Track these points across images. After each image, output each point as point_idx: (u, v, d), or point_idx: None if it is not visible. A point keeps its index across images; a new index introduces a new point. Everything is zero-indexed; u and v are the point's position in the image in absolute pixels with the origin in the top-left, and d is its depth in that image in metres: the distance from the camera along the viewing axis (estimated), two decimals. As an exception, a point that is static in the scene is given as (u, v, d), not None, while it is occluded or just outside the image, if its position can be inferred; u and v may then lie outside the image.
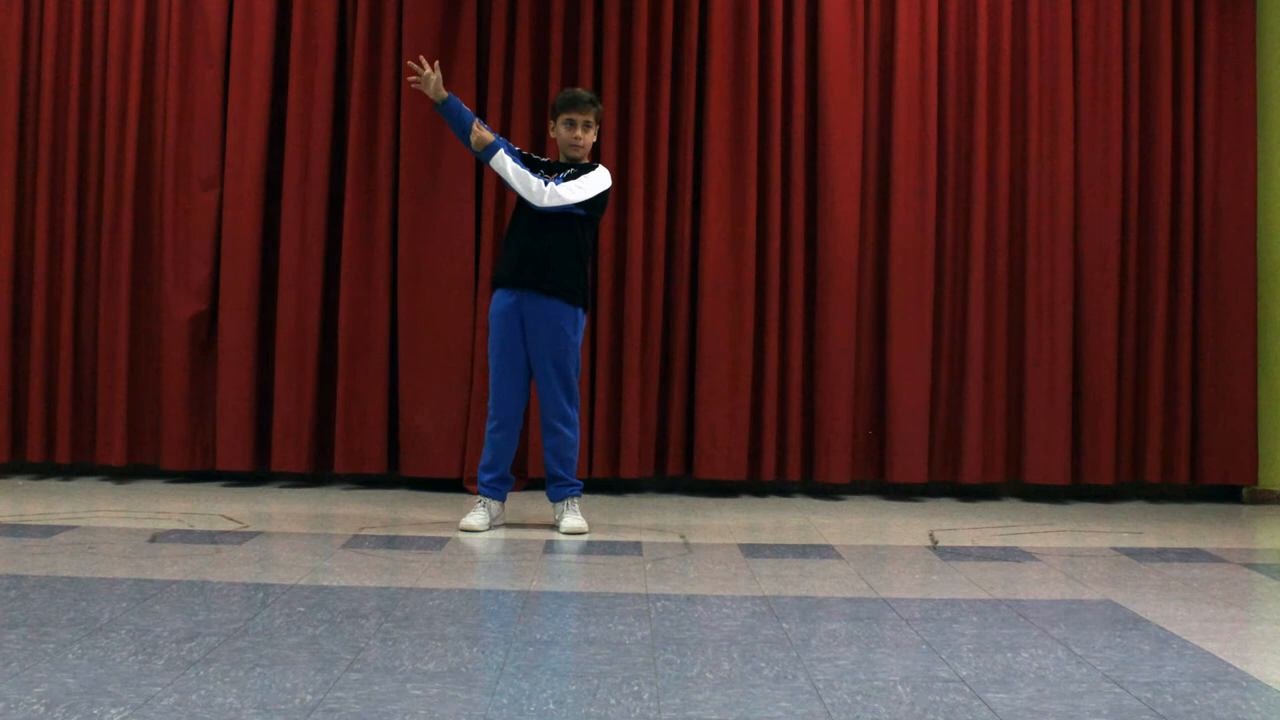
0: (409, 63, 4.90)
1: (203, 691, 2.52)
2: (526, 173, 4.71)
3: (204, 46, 6.14)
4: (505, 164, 4.71)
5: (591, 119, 4.87)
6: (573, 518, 4.86)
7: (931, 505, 6.05)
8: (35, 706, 2.38)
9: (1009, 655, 2.98)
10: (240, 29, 6.13)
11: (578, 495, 4.94)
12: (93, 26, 6.23)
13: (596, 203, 4.80)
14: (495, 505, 4.93)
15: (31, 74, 6.24)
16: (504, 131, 6.13)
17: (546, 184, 4.70)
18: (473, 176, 6.12)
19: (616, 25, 6.15)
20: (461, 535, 4.75)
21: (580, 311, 4.87)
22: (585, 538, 4.75)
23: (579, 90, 5.01)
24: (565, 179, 4.76)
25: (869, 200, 6.26)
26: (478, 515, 4.87)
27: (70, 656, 2.76)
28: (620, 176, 6.12)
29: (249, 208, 6.10)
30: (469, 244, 6.11)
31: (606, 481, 6.17)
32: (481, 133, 4.75)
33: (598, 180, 4.79)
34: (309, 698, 2.49)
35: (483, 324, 6.02)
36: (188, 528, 4.75)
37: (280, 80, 6.17)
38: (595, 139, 4.94)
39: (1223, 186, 6.36)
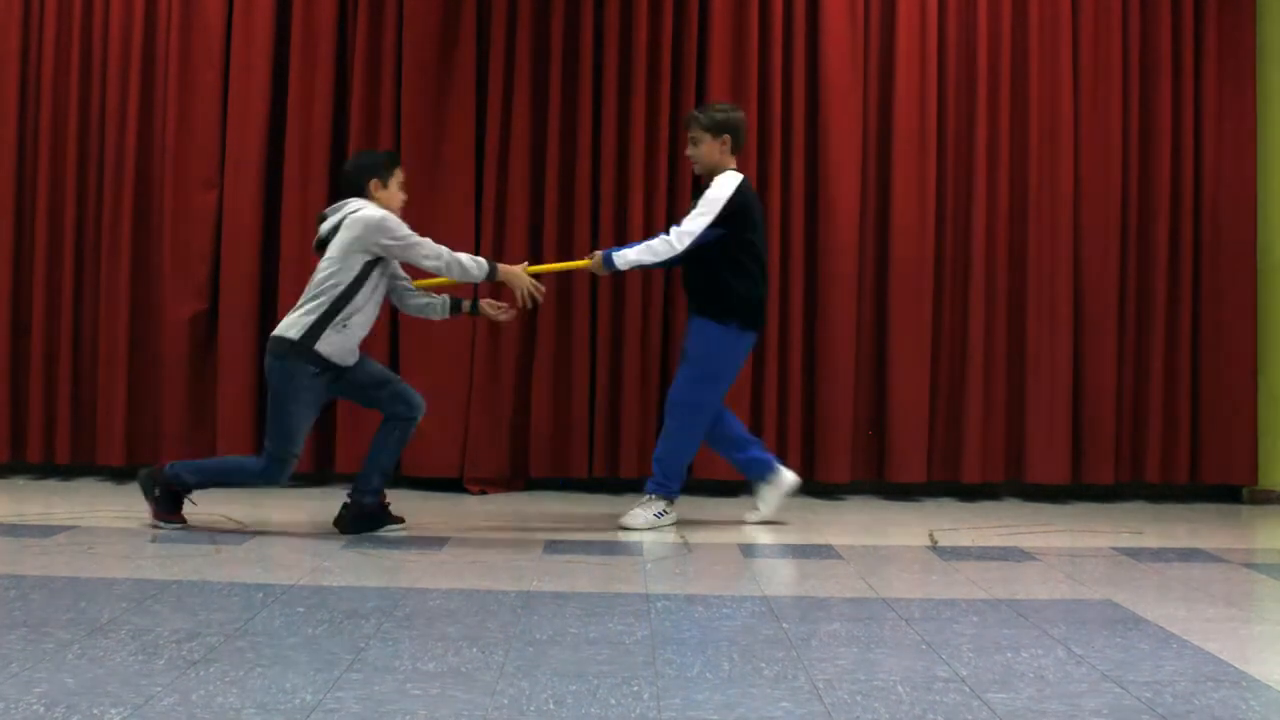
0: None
1: (203, 691, 2.52)
2: (646, 242, 4.89)
3: (203, 46, 6.14)
4: (629, 254, 4.87)
5: (694, 134, 4.96)
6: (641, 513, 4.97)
7: (931, 505, 6.04)
8: (35, 706, 2.38)
9: (1009, 655, 2.98)
10: (240, 29, 6.12)
11: (659, 495, 5.01)
12: (92, 26, 6.22)
13: (725, 216, 4.80)
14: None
15: (31, 74, 6.23)
16: (504, 130, 6.13)
17: (669, 231, 4.85)
18: (473, 176, 6.12)
19: (616, 25, 6.14)
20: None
21: (728, 326, 4.87)
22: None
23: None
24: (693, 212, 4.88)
25: (869, 200, 6.25)
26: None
27: (70, 656, 2.76)
28: (620, 176, 6.13)
29: (249, 208, 6.10)
30: (469, 244, 6.09)
31: (606, 481, 6.17)
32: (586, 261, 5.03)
33: (713, 196, 4.83)
34: (309, 698, 2.49)
35: (482, 323, 6.03)
36: (188, 528, 4.75)
37: (280, 80, 6.17)
38: (711, 150, 4.95)
39: (1223, 186, 6.35)
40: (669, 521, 4.98)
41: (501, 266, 4.80)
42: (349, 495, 4.73)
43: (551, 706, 2.47)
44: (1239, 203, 6.33)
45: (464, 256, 4.69)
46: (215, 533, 4.65)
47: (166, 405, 6.06)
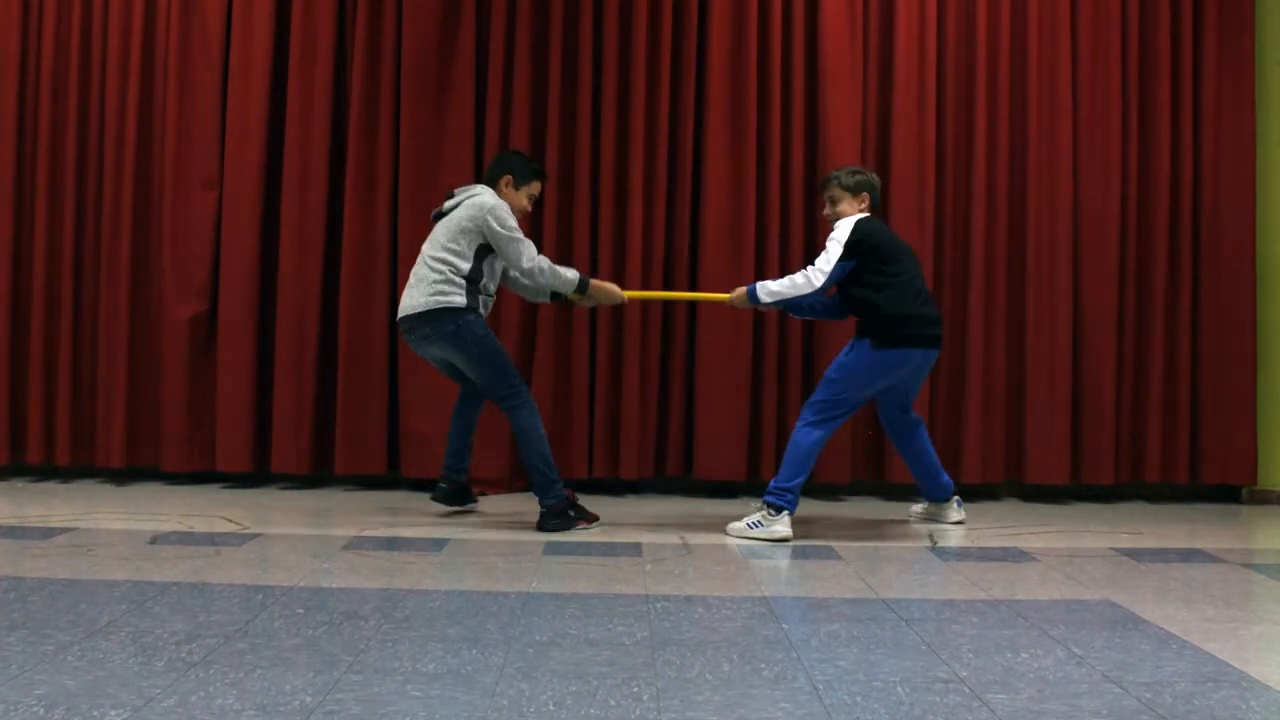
0: None
1: (202, 693, 2.52)
2: (789, 276, 5.03)
3: (203, 47, 6.14)
4: (771, 285, 5.05)
5: (831, 193, 5.14)
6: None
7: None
8: (35, 708, 2.38)
9: (1009, 656, 2.98)
10: (240, 30, 6.13)
11: (766, 503, 4.88)
12: (92, 26, 6.22)
13: (850, 250, 4.90)
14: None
15: (31, 74, 6.24)
16: (503, 133, 6.13)
17: (808, 267, 5.00)
18: (472, 176, 6.11)
19: (615, 26, 6.14)
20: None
21: (861, 341, 4.92)
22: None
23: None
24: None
25: (868, 201, 6.25)
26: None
27: (70, 658, 2.76)
28: (619, 177, 6.13)
29: (249, 208, 6.10)
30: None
31: (606, 482, 6.17)
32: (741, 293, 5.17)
33: (835, 237, 4.97)
34: (309, 699, 2.49)
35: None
36: (187, 529, 4.75)
37: (280, 80, 6.17)
38: (850, 209, 5.07)
39: (1222, 186, 6.35)
40: (766, 535, 4.78)
41: (593, 282, 5.16)
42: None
43: (551, 708, 2.47)
44: (1239, 203, 6.33)
45: (559, 266, 5.07)
46: (215, 534, 4.66)
47: (166, 405, 6.06)
